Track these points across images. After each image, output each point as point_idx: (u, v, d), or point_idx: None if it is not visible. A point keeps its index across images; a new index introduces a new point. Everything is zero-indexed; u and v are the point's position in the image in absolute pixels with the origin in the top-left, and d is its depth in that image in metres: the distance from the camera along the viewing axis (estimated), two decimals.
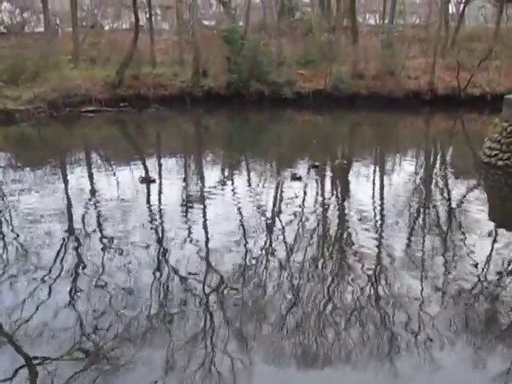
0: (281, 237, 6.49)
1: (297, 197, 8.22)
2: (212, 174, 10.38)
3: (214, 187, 9.11)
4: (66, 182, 9.71)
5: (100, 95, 18.99)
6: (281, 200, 8.39)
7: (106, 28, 28.36)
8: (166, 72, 21.29)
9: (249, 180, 10.02)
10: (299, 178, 9.41)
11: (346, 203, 8.31)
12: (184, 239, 6.34)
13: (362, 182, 9.85)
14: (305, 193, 8.73)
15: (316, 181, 9.79)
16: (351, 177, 10.44)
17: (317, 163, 10.68)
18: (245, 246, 6.16)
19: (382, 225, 7.10)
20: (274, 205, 8.09)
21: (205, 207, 7.90)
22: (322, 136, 16.20)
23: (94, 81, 19.47)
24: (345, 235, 6.77)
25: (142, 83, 20.27)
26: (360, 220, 7.16)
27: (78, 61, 21.32)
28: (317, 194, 8.93)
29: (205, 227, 6.94)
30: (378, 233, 6.75)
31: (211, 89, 20.55)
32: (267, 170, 11.25)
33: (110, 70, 20.34)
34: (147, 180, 9.21)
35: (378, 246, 6.23)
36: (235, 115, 20.11)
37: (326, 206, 8.06)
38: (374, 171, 11.28)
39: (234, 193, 8.84)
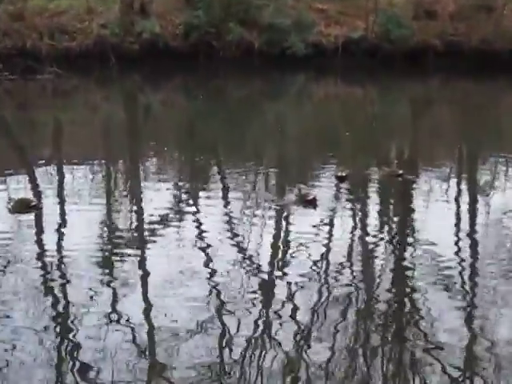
0: (285, 314, 6.50)
1: (302, 244, 8.21)
2: (157, 196, 10.46)
3: (162, 220, 9.16)
4: None
5: None
6: (285, 244, 8.45)
7: None
8: (71, 7, 21.48)
9: (225, 206, 10.07)
10: (312, 203, 9.48)
11: (404, 250, 8.37)
12: (106, 318, 6.33)
13: (434, 210, 9.95)
14: (329, 230, 8.81)
15: (346, 207, 9.86)
16: (414, 200, 10.54)
17: (344, 173, 10.81)
18: (221, 330, 6.15)
19: (474, 291, 7.19)
20: (273, 254, 8.14)
21: (144, 258, 7.93)
22: (361, 124, 16.34)
23: None
24: (406, 309, 6.80)
25: (29, 28, 20.42)
26: (434, 283, 7.23)
27: None
28: (351, 232, 8.96)
29: (144, 295, 6.95)
30: (466, 305, 6.81)
31: (156, 38, 20.75)
32: (257, 186, 11.32)
33: None
34: (24, 205, 9.23)
35: (470, 329, 6.29)
36: (201, 86, 20.23)
37: (369, 256, 8.10)
38: (459, 190, 11.38)
39: (199, 231, 8.89)
